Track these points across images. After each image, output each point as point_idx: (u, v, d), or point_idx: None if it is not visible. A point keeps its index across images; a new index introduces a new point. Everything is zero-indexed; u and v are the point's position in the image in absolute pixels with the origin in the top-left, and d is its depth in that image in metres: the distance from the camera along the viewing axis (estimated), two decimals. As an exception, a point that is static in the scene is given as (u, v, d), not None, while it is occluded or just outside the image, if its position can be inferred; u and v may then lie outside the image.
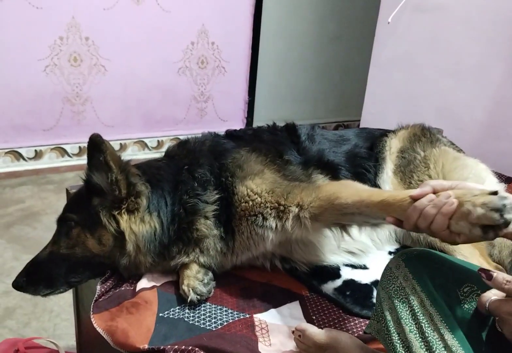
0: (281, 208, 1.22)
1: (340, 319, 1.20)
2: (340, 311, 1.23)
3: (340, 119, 4.74)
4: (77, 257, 1.22)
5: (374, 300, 1.23)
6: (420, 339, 0.86)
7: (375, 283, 1.31)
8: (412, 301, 0.91)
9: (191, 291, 1.20)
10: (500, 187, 1.60)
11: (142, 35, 3.56)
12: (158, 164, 1.37)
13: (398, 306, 0.92)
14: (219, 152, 1.41)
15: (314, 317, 1.20)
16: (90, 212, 1.21)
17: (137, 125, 3.86)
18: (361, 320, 1.20)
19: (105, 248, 1.21)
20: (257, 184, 1.27)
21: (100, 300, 1.17)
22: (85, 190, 1.26)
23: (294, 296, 1.27)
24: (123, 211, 1.20)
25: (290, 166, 1.42)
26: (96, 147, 1.17)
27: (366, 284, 1.33)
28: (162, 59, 3.72)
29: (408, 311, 0.92)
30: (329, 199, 1.14)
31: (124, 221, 1.20)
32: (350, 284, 1.32)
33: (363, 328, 1.16)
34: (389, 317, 0.94)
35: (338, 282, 1.32)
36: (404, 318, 0.91)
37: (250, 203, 1.25)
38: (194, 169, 1.34)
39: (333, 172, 1.50)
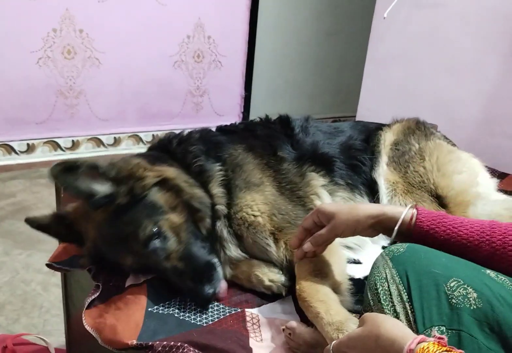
0: (276, 236, 1.25)
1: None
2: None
3: (337, 115, 4.72)
4: None
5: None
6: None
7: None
8: (398, 313, 0.89)
9: (276, 286, 1.20)
10: (493, 182, 1.60)
11: (138, 28, 3.53)
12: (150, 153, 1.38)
13: (388, 313, 0.90)
14: (212, 143, 1.40)
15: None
16: None
17: (132, 119, 3.83)
18: (353, 315, 1.18)
19: None
20: (259, 200, 1.28)
21: (93, 297, 1.15)
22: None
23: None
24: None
25: (284, 164, 1.42)
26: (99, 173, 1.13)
27: (359, 279, 1.31)
28: (158, 52, 3.69)
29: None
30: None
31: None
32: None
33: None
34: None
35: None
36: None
37: (251, 218, 1.26)
38: (188, 146, 1.34)
39: (328, 166, 1.50)
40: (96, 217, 1.16)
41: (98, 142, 3.74)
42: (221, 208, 1.27)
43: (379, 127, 1.71)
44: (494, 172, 1.84)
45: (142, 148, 3.95)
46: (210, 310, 1.15)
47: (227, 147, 1.39)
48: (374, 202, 1.50)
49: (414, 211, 1.05)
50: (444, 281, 0.88)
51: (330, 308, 1.00)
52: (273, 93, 4.38)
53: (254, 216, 1.26)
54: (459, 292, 0.86)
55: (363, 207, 1.08)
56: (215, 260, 1.19)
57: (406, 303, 0.88)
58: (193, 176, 1.27)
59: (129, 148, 3.88)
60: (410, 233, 1.04)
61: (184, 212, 1.19)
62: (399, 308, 0.89)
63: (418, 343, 0.72)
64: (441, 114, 2.64)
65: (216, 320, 1.11)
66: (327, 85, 4.60)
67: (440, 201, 1.46)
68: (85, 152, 3.69)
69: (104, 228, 1.16)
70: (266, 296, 1.22)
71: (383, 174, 1.52)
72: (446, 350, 0.70)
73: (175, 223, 1.17)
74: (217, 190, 1.27)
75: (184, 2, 3.63)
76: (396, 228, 1.04)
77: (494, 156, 2.06)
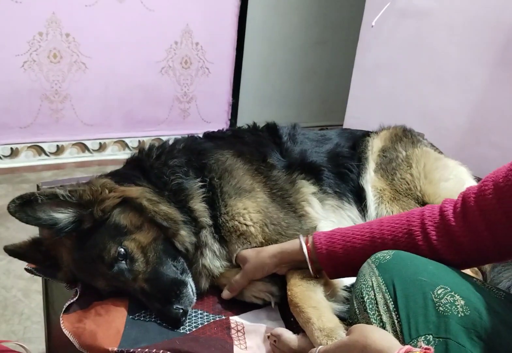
0: None
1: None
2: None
3: (324, 124, 4.72)
4: None
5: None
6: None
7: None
8: (384, 323, 0.88)
9: (267, 296, 1.20)
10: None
11: (125, 33, 3.50)
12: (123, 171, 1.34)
13: (375, 324, 0.89)
14: (198, 151, 1.37)
15: (292, 319, 1.15)
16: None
17: (118, 125, 3.79)
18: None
19: None
20: (251, 208, 1.26)
21: (71, 301, 1.11)
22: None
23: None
24: None
25: (274, 171, 1.41)
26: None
27: (345, 285, 1.29)
28: (145, 58, 3.66)
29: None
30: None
31: None
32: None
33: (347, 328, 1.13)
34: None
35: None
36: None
37: (243, 227, 1.24)
38: (168, 160, 1.30)
39: (316, 175, 1.49)
40: (66, 243, 1.15)
41: (83, 147, 3.70)
42: (205, 219, 1.23)
43: (366, 134, 1.71)
44: (479, 181, 1.84)
45: (128, 154, 3.88)
46: (193, 317, 1.13)
47: (212, 153, 1.36)
48: (362, 209, 1.50)
49: (310, 237, 1.11)
50: (431, 288, 0.87)
51: (323, 314, 1.00)
52: (260, 101, 4.38)
53: (247, 225, 1.24)
54: (447, 299, 0.85)
55: (267, 249, 1.18)
56: (186, 277, 1.14)
57: (393, 313, 0.87)
58: (168, 194, 1.23)
59: (114, 154, 3.84)
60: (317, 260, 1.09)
61: (152, 230, 1.15)
62: (385, 318, 0.88)
63: None
64: (428, 123, 2.65)
65: (200, 327, 1.09)
66: (315, 93, 4.61)
67: None
68: (70, 157, 3.64)
69: (73, 253, 1.14)
70: (251, 302, 1.21)
71: (370, 181, 1.52)
72: None
73: (142, 242, 1.13)
74: (199, 205, 1.24)
75: (172, 8, 3.62)
76: (307, 259, 1.10)
77: (480, 165, 2.06)
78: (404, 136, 1.65)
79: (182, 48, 3.80)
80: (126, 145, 3.89)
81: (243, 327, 1.11)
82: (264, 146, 1.51)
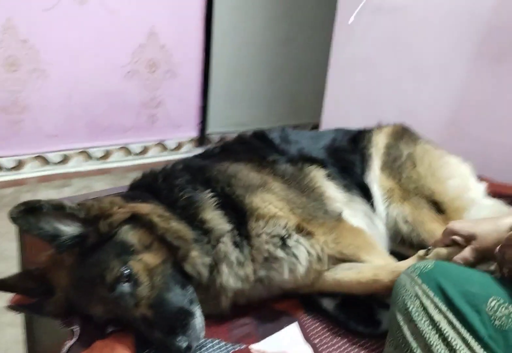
0: (307, 230, 1.17)
1: (345, 340, 1.07)
2: (343, 331, 1.10)
3: (294, 123, 4.65)
4: None
5: (378, 317, 1.12)
6: None
7: (374, 299, 1.20)
8: (438, 323, 0.81)
9: None
10: (482, 187, 1.56)
11: (87, 38, 3.31)
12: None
13: (425, 331, 0.82)
14: (197, 168, 1.30)
15: (315, 341, 1.06)
16: None
17: (82, 134, 3.59)
18: (366, 340, 1.08)
19: None
20: (271, 199, 1.18)
21: (70, 343, 0.98)
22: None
23: (290, 318, 1.13)
24: None
25: (278, 165, 1.35)
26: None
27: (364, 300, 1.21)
28: (109, 62, 3.48)
29: (437, 335, 0.81)
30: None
31: None
32: (350, 300, 1.19)
33: (372, 348, 1.05)
34: (414, 344, 0.83)
35: (338, 299, 1.19)
36: (435, 345, 0.80)
37: (270, 213, 1.16)
38: (173, 180, 1.22)
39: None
40: (66, 261, 1.04)
41: (45, 160, 3.48)
42: (222, 226, 1.13)
43: (364, 130, 1.66)
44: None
45: (93, 165, 3.73)
46: (210, 348, 1.01)
47: (212, 167, 1.29)
48: (371, 208, 1.44)
49: None
50: (484, 300, 0.80)
51: None
52: (230, 103, 4.27)
53: (273, 212, 1.17)
54: (501, 312, 0.78)
55: (505, 218, 1.00)
56: (194, 309, 1.02)
57: (447, 312, 0.81)
58: (178, 211, 1.14)
59: (79, 165, 3.63)
60: None
61: (161, 251, 1.05)
62: (437, 317, 0.81)
63: None
64: (407, 118, 2.57)
65: (219, 359, 0.98)
66: (284, 93, 4.54)
67: (437, 206, 1.41)
68: (31, 172, 3.41)
69: (73, 272, 1.03)
70: (268, 326, 1.10)
71: (376, 180, 1.46)
72: None
73: (150, 264, 1.02)
74: (212, 214, 1.14)
75: (136, 10, 3.46)
76: None
77: (463, 159, 2.06)
78: (405, 133, 1.61)
79: (147, 51, 3.64)
80: (91, 155, 3.70)
81: (266, 356, 1.00)
82: (259, 150, 1.45)
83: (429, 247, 1.11)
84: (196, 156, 1.47)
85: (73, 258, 1.03)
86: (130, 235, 1.04)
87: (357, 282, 1.14)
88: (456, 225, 1.06)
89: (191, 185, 1.21)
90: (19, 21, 3.02)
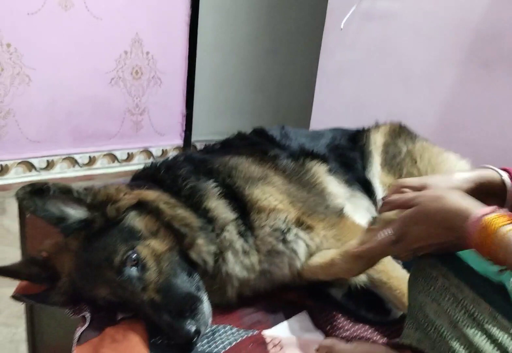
0: (306, 224, 1.17)
1: (357, 327, 1.07)
2: (353, 318, 1.11)
3: (277, 132, 4.70)
4: None
5: (388, 305, 1.13)
6: (490, 342, 0.75)
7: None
8: (463, 300, 0.81)
9: None
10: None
11: (71, 43, 3.29)
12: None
13: (449, 308, 0.81)
14: (199, 160, 1.30)
15: (327, 328, 1.06)
16: None
17: (66, 140, 3.53)
18: (379, 326, 1.08)
19: None
20: (272, 191, 1.18)
21: (82, 329, 0.95)
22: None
23: (299, 306, 1.13)
24: None
25: (279, 160, 1.35)
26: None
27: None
28: (93, 68, 3.46)
29: (463, 311, 0.80)
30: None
31: None
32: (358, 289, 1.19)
33: (384, 334, 1.05)
34: (438, 321, 0.83)
35: (344, 288, 1.19)
36: (461, 321, 0.80)
37: (270, 206, 1.15)
38: (176, 170, 1.22)
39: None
40: (72, 245, 1.03)
41: (30, 166, 3.42)
42: (226, 215, 1.13)
43: (362, 129, 1.68)
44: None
45: (78, 171, 3.67)
46: (223, 334, 1.00)
47: (214, 159, 1.30)
48: (373, 203, 1.44)
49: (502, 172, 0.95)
50: (507, 278, 0.81)
51: None
52: (215, 111, 4.27)
53: (274, 204, 1.16)
54: None
55: (458, 173, 0.96)
56: (202, 295, 1.01)
57: (470, 291, 0.80)
58: (183, 199, 1.14)
59: (63, 171, 3.58)
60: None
61: (168, 238, 1.05)
62: (461, 296, 0.81)
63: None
64: (396, 124, 2.66)
65: (234, 345, 0.97)
66: (269, 102, 4.56)
67: None
68: (15, 177, 3.34)
69: (78, 256, 1.02)
70: (278, 313, 1.10)
71: (378, 176, 1.48)
72: None
73: (157, 250, 1.02)
74: (216, 202, 1.15)
75: (120, 17, 3.46)
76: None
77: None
78: (402, 132, 1.65)
79: (132, 58, 3.63)
80: (76, 161, 3.64)
81: (280, 341, 0.99)
82: (260, 145, 1.46)
83: (374, 216, 1.03)
84: (196, 152, 1.47)
85: (78, 242, 1.02)
86: (137, 221, 1.04)
87: (320, 267, 1.12)
88: (405, 179, 1.00)
89: (194, 175, 1.21)
90: (2, 25, 2.98)
